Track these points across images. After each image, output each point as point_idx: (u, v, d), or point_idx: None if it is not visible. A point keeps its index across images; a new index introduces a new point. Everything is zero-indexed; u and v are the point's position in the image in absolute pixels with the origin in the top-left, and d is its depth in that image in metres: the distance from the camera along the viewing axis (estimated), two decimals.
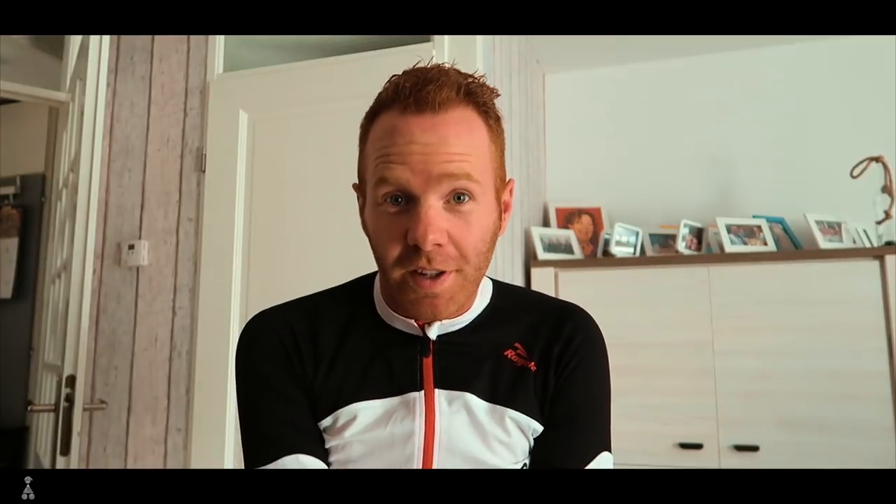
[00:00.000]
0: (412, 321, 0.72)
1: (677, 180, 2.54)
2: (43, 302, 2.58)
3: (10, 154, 3.13)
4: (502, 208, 0.74)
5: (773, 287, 2.01)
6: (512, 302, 0.79)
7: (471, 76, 0.68)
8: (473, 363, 0.72)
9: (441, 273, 0.65)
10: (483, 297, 0.77)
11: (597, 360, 0.77)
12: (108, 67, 1.85)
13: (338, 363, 0.72)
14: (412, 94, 0.65)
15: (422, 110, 0.65)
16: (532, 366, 0.73)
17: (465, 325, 0.74)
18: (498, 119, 0.71)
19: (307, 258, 1.75)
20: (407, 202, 0.66)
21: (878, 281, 1.92)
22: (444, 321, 0.72)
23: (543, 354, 0.74)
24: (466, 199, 0.65)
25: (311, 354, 0.73)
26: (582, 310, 0.80)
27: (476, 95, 0.68)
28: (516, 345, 0.74)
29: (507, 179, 0.75)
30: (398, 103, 0.66)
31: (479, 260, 0.67)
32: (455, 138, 0.65)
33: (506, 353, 0.74)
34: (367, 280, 0.80)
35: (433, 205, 0.64)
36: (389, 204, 0.66)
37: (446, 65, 0.68)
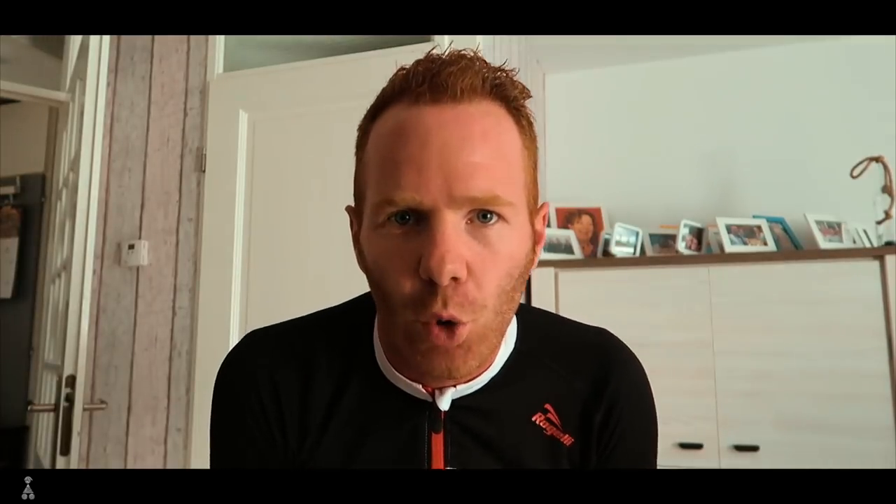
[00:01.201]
0: (419, 386, 0.58)
1: (677, 180, 2.54)
2: (43, 302, 2.58)
3: (10, 154, 3.13)
4: (535, 238, 0.57)
5: (773, 287, 2.01)
6: (538, 344, 0.64)
7: (500, 68, 0.55)
8: (494, 434, 0.59)
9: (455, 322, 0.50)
10: (507, 342, 0.61)
11: (645, 416, 0.65)
12: (108, 67, 1.85)
13: (328, 433, 0.60)
14: (427, 79, 0.51)
15: (439, 98, 0.51)
16: (566, 439, 0.61)
17: (485, 384, 0.60)
18: (531, 123, 0.58)
19: (307, 258, 1.75)
20: (417, 220, 0.51)
21: (878, 281, 1.92)
22: (459, 385, 0.58)
23: (582, 424, 0.61)
24: (494, 219, 0.51)
25: (297, 422, 0.60)
26: (622, 349, 0.66)
27: (506, 89, 0.55)
28: (547, 407, 0.61)
29: (539, 202, 0.60)
30: (409, 93, 0.53)
31: (501, 302, 0.52)
32: (481, 139, 0.51)
33: (533, 419, 0.60)
34: (366, 310, 0.63)
35: (452, 222, 0.50)
36: (394, 224, 0.52)
37: (469, 51, 0.54)
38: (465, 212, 0.51)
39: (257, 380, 0.61)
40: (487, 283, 0.51)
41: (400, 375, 0.59)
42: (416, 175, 0.50)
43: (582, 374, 0.62)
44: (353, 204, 0.62)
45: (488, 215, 0.51)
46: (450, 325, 0.50)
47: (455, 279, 0.49)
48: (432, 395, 0.58)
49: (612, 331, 0.69)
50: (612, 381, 0.62)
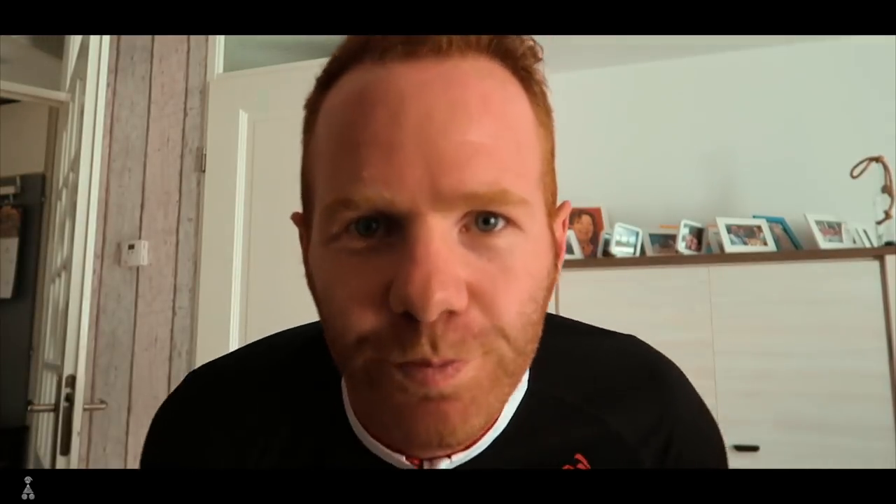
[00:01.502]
0: (402, 458, 0.42)
1: (677, 180, 2.54)
2: (43, 302, 2.58)
3: (10, 154, 3.13)
4: (555, 250, 0.43)
5: (773, 287, 2.01)
6: (560, 378, 0.47)
7: None
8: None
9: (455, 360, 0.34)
10: (519, 387, 0.45)
11: (714, 455, 0.50)
12: (108, 67, 1.85)
13: None
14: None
15: (415, 50, 0.36)
16: None
17: (489, 445, 0.43)
18: (544, 92, 0.43)
19: None
20: (388, 230, 0.35)
21: (878, 281, 1.92)
22: (455, 455, 0.41)
23: None
24: (501, 224, 0.36)
25: None
26: (670, 370, 0.51)
27: (511, 43, 0.39)
28: (578, 457, 0.45)
29: (558, 200, 0.45)
30: (373, 48, 0.37)
31: (525, 338, 0.37)
32: (480, 108, 0.35)
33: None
34: None
35: (439, 231, 0.34)
36: (354, 235, 0.35)
37: None
38: (459, 215, 0.35)
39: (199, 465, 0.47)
40: (504, 307, 0.35)
41: (376, 442, 0.43)
42: (384, 162, 0.33)
43: (619, 410, 0.46)
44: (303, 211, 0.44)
45: (492, 219, 0.35)
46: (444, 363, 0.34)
47: (450, 312, 0.33)
48: (420, 466, 0.42)
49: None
50: (662, 420, 0.46)
